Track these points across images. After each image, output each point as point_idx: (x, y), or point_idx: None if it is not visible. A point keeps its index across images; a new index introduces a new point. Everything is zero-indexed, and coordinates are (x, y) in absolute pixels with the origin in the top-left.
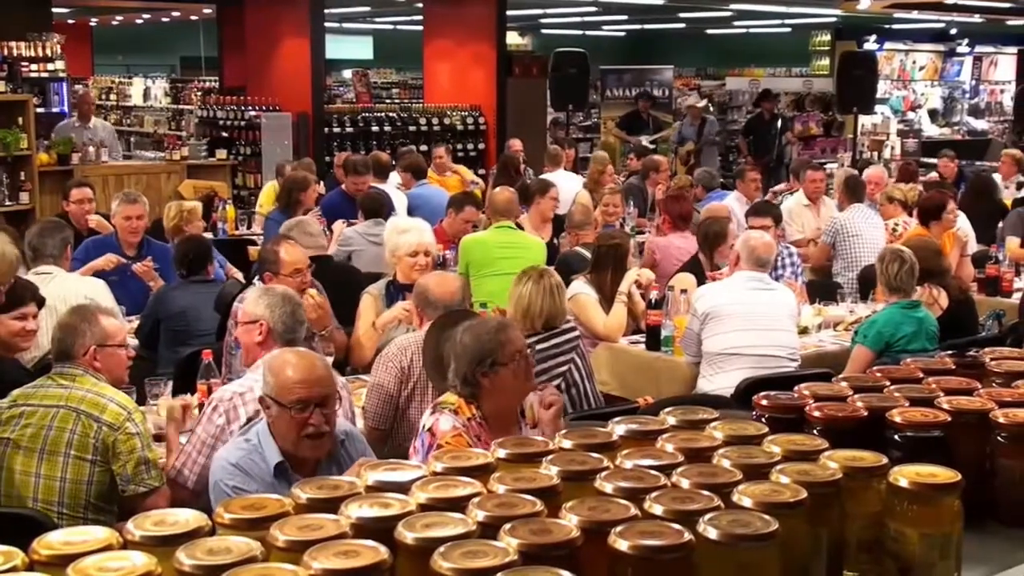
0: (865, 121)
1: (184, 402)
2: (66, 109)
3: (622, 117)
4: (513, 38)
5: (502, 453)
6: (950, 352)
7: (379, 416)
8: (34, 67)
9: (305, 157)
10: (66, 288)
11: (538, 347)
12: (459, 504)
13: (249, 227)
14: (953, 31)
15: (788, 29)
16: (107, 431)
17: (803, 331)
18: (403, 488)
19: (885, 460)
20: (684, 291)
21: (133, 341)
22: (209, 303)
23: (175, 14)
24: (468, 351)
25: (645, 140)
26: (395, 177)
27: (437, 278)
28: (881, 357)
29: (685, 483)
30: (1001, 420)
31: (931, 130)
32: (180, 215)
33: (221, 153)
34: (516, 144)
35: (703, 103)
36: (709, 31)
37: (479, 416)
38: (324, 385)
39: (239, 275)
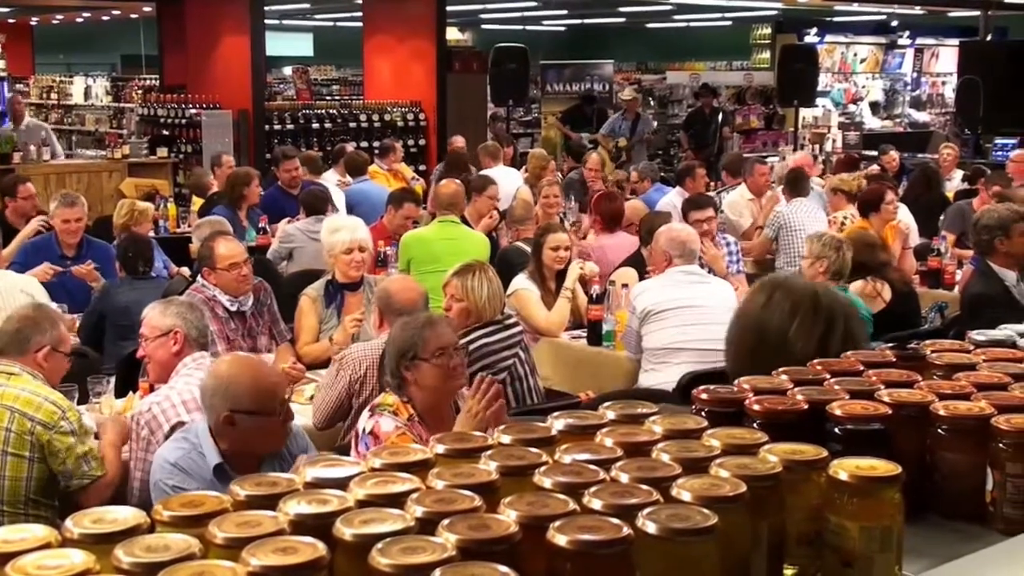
0: (806, 114)
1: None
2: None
3: (565, 112)
4: (453, 34)
5: (440, 448)
6: (891, 345)
7: (324, 418)
8: None
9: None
10: (2, 282)
11: (483, 341)
12: (397, 500)
13: (191, 225)
14: (894, 23)
15: (728, 22)
16: (41, 429)
17: None
18: (341, 484)
19: (825, 453)
20: (625, 286)
21: (75, 339)
22: (152, 299)
23: (115, 12)
24: (395, 343)
25: (586, 138)
26: (333, 175)
27: (400, 283)
28: None
29: (624, 477)
30: (942, 413)
31: (873, 122)
32: (131, 215)
33: (162, 151)
34: (459, 141)
35: (639, 97)
36: (649, 25)
37: (417, 416)
38: (284, 381)
39: (185, 272)
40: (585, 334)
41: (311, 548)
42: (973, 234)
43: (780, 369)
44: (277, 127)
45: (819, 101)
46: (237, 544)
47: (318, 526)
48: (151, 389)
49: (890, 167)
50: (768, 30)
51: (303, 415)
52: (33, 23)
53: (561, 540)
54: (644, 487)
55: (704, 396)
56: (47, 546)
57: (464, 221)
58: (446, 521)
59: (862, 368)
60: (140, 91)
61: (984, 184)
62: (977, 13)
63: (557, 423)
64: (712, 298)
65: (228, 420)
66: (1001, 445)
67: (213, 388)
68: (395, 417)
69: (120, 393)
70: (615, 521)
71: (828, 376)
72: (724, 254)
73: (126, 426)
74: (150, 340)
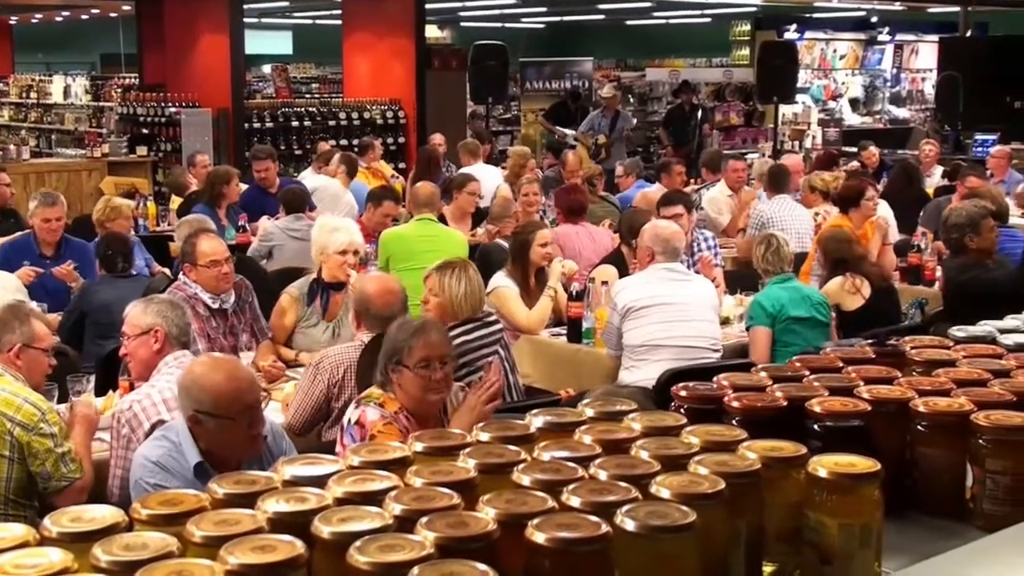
0: (786, 111)
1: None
2: None
3: (550, 108)
4: (432, 31)
5: (419, 446)
6: (871, 341)
7: (301, 422)
8: None
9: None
10: None
11: (463, 339)
12: (375, 498)
13: (170, 223)
14: (874, 19)
15: (708, 19)
16: (20, 431)
17: (725, 321)
18: (320, 482)
19: (804, 450)
20: (605, 283)
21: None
22: (132, 297)
23: (95, 11)
24: (388, 342)
25: (570, 135)
26: (311, 174)
27: (378, 285)
28: (775, 329)
29: (603, 475)
30: (921, 409)
31: (852, 119)
32: (105, 211)
33: (142, 150)
34: (437, 138)
35: (618, 94)
36: (629, 22)
37: (405, 411)
38: (255, 388)
39: (166, 271)
40: (565, 331)
41: (289, 546)
42: (943, 233)
43: (759, 366)
44: (256, 125)
45: (799, 98)
46: (215, 542)
47: (296, 524)
48: (131, 387)
49: (870, 163)
50: (747, 27)
51: (281, 413)
52: (12, 22)
53: (540, 537)
54: (623, 484)
55: (683, 393)
56: (25, 544)
57: (442, 220)
58: (424, 519)
59: (841, 364)
60: (120, 90)
61: (960, 181)
62: (957, 9)
63: (536, 420)
64: (693, 296)
65: (193, 419)
66: (981, 441)
67: (182, 386)
68: (381, 409)
69: (100, 391)
70: (594, 518)
71: (808, 373)
72: (705, 248)
73: (91, 419)
74: (131, 338)
